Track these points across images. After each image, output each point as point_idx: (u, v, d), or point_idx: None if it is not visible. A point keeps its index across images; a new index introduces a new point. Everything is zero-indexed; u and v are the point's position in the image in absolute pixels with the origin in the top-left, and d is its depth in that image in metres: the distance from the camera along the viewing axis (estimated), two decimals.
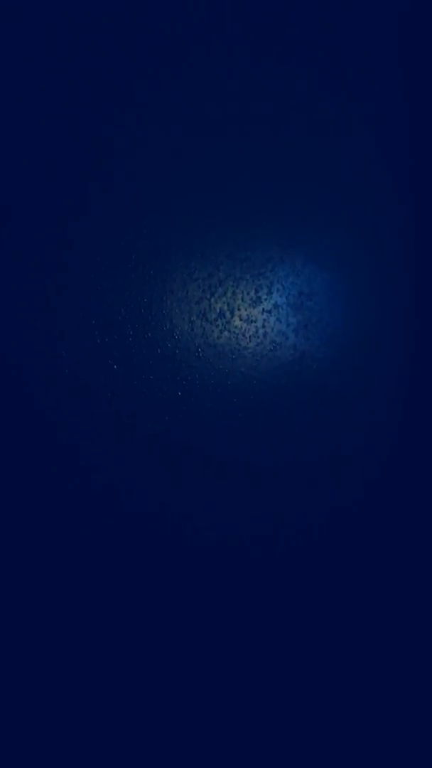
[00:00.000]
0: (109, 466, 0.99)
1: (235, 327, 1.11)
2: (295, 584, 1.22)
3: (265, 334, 1.15)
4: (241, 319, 1.12)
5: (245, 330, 1.13)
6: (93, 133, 0.97)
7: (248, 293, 1.13)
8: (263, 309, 1.15)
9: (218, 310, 1.09)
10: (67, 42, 0.94)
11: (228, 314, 1.10)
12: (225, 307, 1.10)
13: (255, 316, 1.14)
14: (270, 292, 1.16)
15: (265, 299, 1.15)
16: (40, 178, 0.92)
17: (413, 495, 1.41)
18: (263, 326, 1.15)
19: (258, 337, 1.14)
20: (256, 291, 1.14)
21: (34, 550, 0.94)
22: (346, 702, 1.29)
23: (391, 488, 1.37)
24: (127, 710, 1.02)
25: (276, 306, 1.17)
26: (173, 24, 1.03)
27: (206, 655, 1.10)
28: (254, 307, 1.14)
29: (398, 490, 1.39)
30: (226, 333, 1.10)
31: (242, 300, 1.12)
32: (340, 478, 1.28)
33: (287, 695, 1.20)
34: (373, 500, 1.34)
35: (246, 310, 1.13)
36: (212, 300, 1.09)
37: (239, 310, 1.12)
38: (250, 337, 1.13)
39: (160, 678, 1.05)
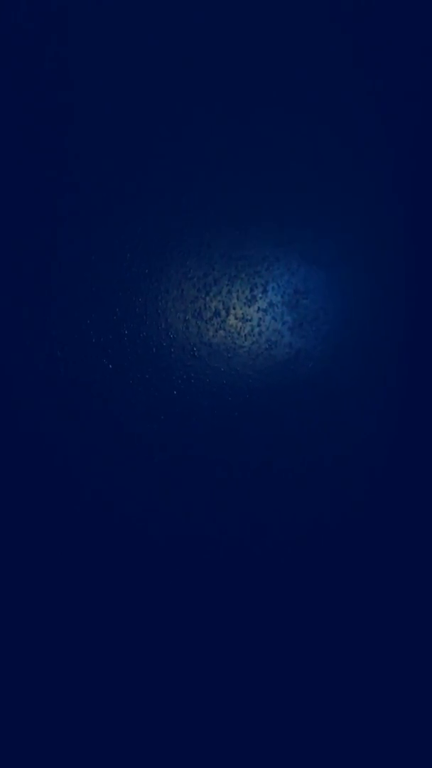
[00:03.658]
0: (104, 465, 1.00)
1: (231, 326, 1.12)
2: (292, 582, 1.23)
3: (260, 333, 1.16)
4: (236, 318, 1.12)
5: (240, 329, 1.13)
6: (89, 130, 0.96)
7: (243, 292, 1.13)
8: (258, 308, 1.15)
9: (213, 309, 1.09)
10: (70, 35, 0.94)
11: (223, 313, 1.11)
12: (220, 306, 1.10)
13: (250, 314, 1.14)
14: (265, 291, 1.16)
15: (261, 298, 1.15)
16: (34, 176, 0.92)
17: (410, 493, 1.41)
18: (258, 325, 1.15)
19: (253, 335, 1.15)
20: (252, 290, 1.14)
21: (29, 547, 0.94)
22: (347, 705, 1.30)
23: (388, 486, 1.38)
24: (128, 723, 1.03)
25: (271, 304, 1.17)
26: (171, 16, 1.03)
27: (206, 658, 1.11)
28: (249, 306, 1.14)
29: (395, 489, 1.39)
30: (221, 332, 1.10)
31: (237, 299, 1.12)
32: (336, 477, 1.29)
33: (291, 699, 1.22)
34: (370, 498, 1.35)
35: (241, 308, 1.13)
36: (207, 299, 1.09)
37: (234, 308, 1.12)
38: (245, 335, 1.14)
39: (162, 684, 1.06)
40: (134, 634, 1.04)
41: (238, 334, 1.13)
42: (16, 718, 0.94)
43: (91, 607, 0.99)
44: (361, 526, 1.34)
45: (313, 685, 1.26)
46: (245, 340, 1.14)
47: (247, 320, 1.13)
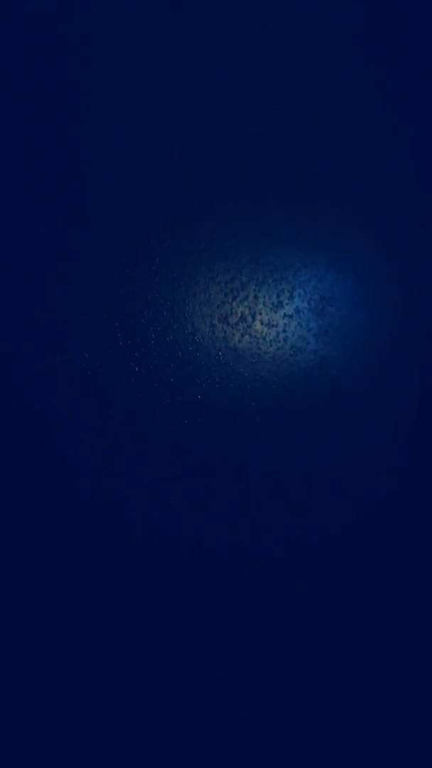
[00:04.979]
0: (128, 467, 1.00)
1: (256, 331, 1.11)
2: (312, 588, 1.21)
3: (285, 339, 1.15)
4: (262, 324, 1.12)
5: (266, 334, 1.12)
6: (118, 135, 0.97)
7: (270, 297, 1.13)
8: (284, 313, 1.14)
9: (240, 314, 1.09)
10: (97, 41, 0.95)
11: (249, 318, 1.10)
12: (246, 311, 1.10)
13: (276, 320, 1.13)
14: (291, 297, 1.15)
15: (287, 304, 1.15)
16: (63, 179, 0.93)
17: None
18: (284, 331, 1.14)
19: (279, 341, 1.14)
20: (278, 295, 1.13)
21: (46, 549, 0.94)
22: (349, 712, 1.28)
23: (412, 494, 1.36)
24: (129, 725, 1.03)
25: (297, 311, 1.16)
26: (179, 19, 1.03)
27: (215, 668, 1.10)
28: (276, 312, 1.13)
29: (419, 496, 1.37)
30: (246, 337, 1.10)
31: (264, 304, 1.12)
32: (360, 484, 1.27)
33: (293, 708, 1.20)
34: (393, 506, 1.33)
35: (267, 314, 1.12)
36: (234, 304, 1.08)
37: (260, 314, 1.12)
38: (270, 341, 1.13)
39: (162, 689, 1.06)
40: (151, 636, 1.03)
41: (264, 339, 1.12)
42: (16, 717, 0.94)
43: (108, 604, 0.99)
44: (386, 532, 1.32)
45: (317, 693, 1.24)
46: (270, 345, 1.13)
47: (272, 326, 1.13)
